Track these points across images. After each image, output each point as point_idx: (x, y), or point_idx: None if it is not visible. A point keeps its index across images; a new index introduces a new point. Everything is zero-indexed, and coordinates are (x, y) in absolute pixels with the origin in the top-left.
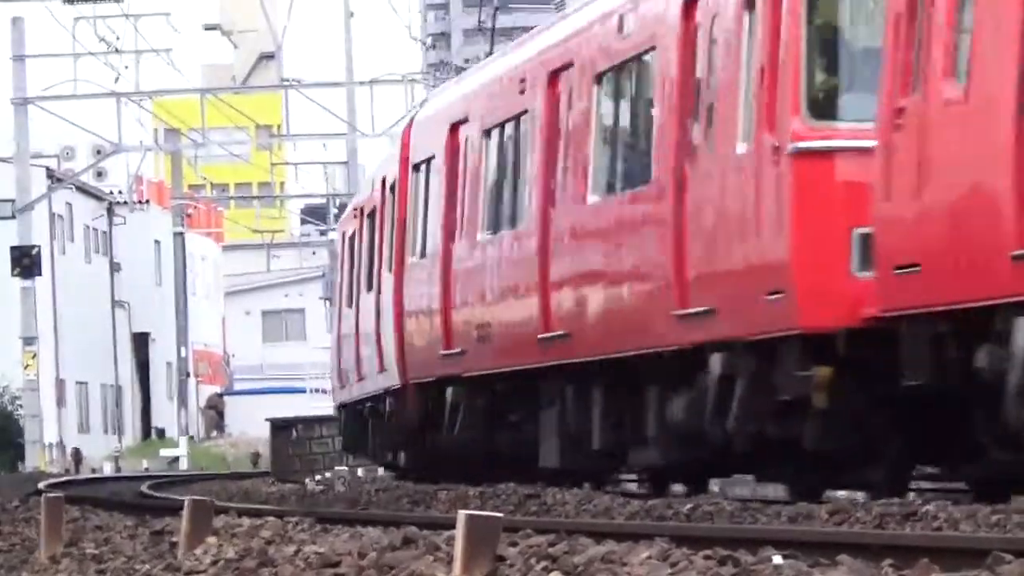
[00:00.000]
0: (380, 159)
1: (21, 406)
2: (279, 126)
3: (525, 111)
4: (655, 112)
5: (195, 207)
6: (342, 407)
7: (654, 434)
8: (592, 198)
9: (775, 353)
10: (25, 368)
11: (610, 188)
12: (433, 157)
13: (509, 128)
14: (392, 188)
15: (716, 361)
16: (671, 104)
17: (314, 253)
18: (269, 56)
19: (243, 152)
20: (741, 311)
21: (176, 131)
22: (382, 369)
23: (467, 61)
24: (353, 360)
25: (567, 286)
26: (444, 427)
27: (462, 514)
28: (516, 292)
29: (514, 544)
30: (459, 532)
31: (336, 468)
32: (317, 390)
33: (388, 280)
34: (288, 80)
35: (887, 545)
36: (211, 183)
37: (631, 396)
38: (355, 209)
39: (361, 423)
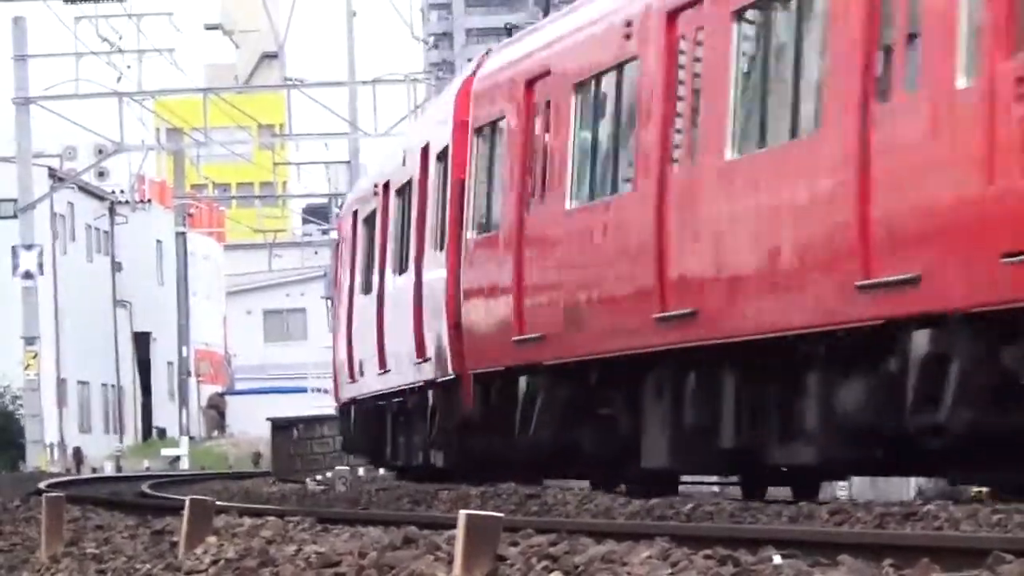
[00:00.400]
0: (415, 126)
1: (22, 406)
2: (281, 126)
3: (632, 59)
4: (824, 48)
5: (197, 207)
6: (351, 403)
7: (814, 427)
8: (731, 154)
9: (1013, 327)
10: (26, 368)
11: (757, 140)
12: (502, 118)
13: (608, 80)
14: (440, 156)
15: (921, 339)
16: (849, 38)
17: (316, 253)
18: (271, 56)
19: (245, 152)
20: (961, 278)
21: (178, 131)
22: (422, 359)
23: (470, 60)
24: (373, 351)
25: (693, 256)
26: (515, 422)
27: (462, 514)
28: (621, 266)
29: (515, 544)
30: (459, 532)
31: (337, 468)
32: (318, 390)
33: (436, 259)
34: (290, 80)
35: (887, 545)
36: (213, 183)
37: (778, 383)
38: (376, 185)
39: (376, 420)
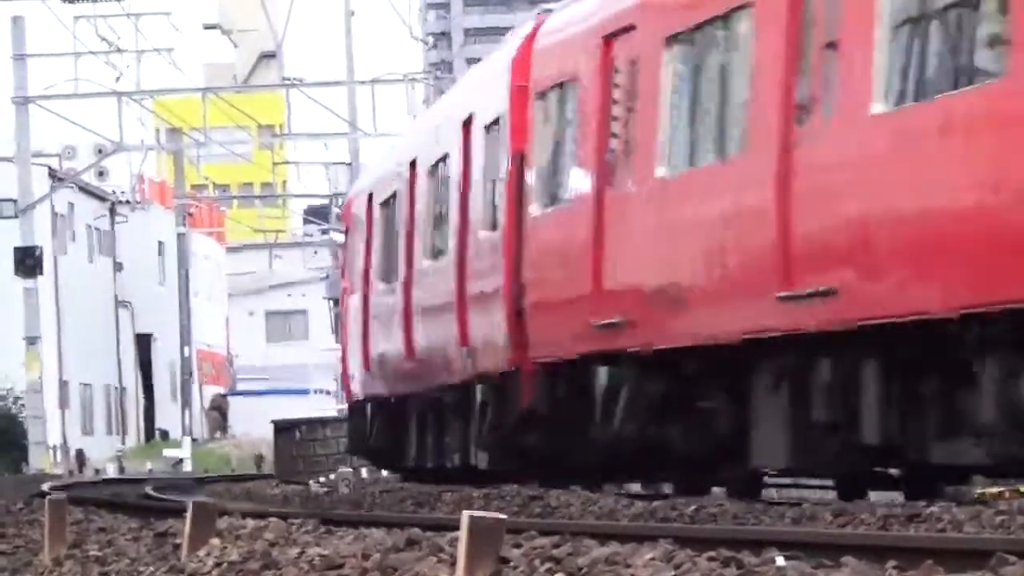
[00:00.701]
0: (450, 98)
1: (24, 407)
2: (281, 125)
3: (743, 6)
4: None
5: (197, 207)
6: (366, 401)
7: (988, 423)
8: (880, 107)
9: None
10: (28, 369)
11: (915, 91)
12: (573, 80)
13: (712, 32)
14: (490, 127)
15: None
16: None
17: (316, 253)
18: (270, 55)
19: (245, 152)
20: None
21: (178, 130)
22: (467, 350)
23: (472, 60)
24: (398, 343)
25: (830, 227)
26: (594, 417)
27: (466, 515)
28: (730, 240)
29: (518, 546)
30: (463, 533)
31: (340, 469)
32: (321, 391)
33: (487, 240)
34: (289, 79)
35: (891, 546)
36: (213, 183)
37: (939, 371)
38: (399, 165)
39: (398, 419)
